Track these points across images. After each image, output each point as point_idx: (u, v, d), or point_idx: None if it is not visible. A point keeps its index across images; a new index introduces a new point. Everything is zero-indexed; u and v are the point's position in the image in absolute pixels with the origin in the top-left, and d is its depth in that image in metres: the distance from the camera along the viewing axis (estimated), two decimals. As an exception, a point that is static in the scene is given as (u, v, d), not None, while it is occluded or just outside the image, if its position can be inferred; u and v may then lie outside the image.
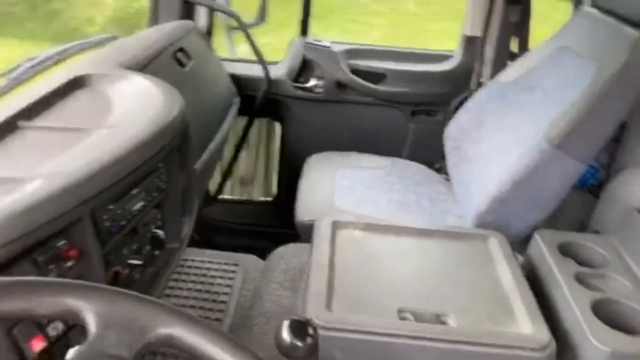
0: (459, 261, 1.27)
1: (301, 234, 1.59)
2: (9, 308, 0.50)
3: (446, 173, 1.84)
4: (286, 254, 1.49)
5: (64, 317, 0.54)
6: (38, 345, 0.78)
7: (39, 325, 0.78)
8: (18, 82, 1.25)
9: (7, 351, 0.74)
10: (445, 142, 1.78)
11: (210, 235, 2.03)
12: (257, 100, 1.97)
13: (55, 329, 0.80)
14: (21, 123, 1.00)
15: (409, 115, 2.05)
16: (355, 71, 1.98)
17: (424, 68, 2.04)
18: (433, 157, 1.98)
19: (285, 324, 0.70)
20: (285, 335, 0.67)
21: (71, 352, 0.54)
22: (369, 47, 2.13)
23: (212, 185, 2.08)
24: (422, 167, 1.93)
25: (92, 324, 0.53)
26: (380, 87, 1.99)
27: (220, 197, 2.13)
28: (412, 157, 1.99)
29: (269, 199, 2.20)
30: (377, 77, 1.99)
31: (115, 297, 0.55)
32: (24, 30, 5.18)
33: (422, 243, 1.32)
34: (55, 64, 1.40)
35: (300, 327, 0.69)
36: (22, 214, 0.75)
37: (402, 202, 1.67)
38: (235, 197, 2.20)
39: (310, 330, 0.69)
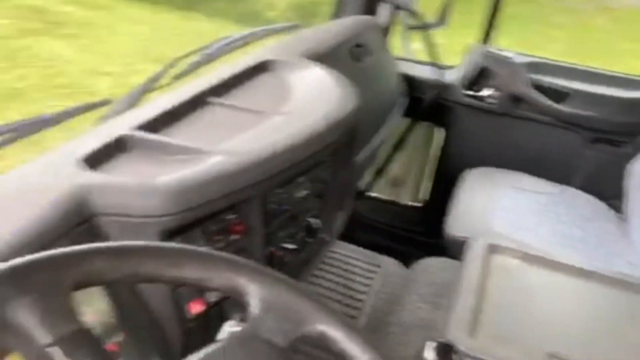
0: (624, 313, 1.13)
1: (449, 248, 1.53)
2: (185, 275, 0.53)
3: (621, 212, 1.65)
4: (432, 266, 1.44)
5: (230, 294, 0.56)
6: (196, 307, 0.84)
7: (200, 289, 0.83)
8: (209, 59, 1.35)
9: (172, 309, 0.80)
10: (628, 177, 1.59)
11: (352, 229, 2.04)
12: (424, 103, 1.92)
13: (214, 295, 0.85)
14: (210, 99, 1.07)
15: (588, 142, 1.86)
16: (536, 86, 1.84)
17: (616, 92, 1.84)
18: (608, 192, 1.78)
19: (430, 345, 0.67)
20: (430, 356, 0.64)
21: (227, 329, 0.57)
22: (554, 62, 1.97)
23: (362, 181, 2.09)
24: (594, 201, 1.75)
25: (254, 306, 0.54)
26: (562, 107, 1.83)
27: (368, 194, 2.13)
28: (584, 188, 1.81)
29: (418, 204, 2.16)
30: (559, 95, 1.84)
31: (281, 284, 0.56)
32: (213, 8, 5.64)
33: (584, 285, 1.19)
34: (243, 46, 1.49)
35: (445, 351, 0.66)
36: (203, 185, 0.80)
37: (566, 236, 1.53)
38: (384, 196, 2.18)
39: (455, 357, 0.66)
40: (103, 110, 1.11)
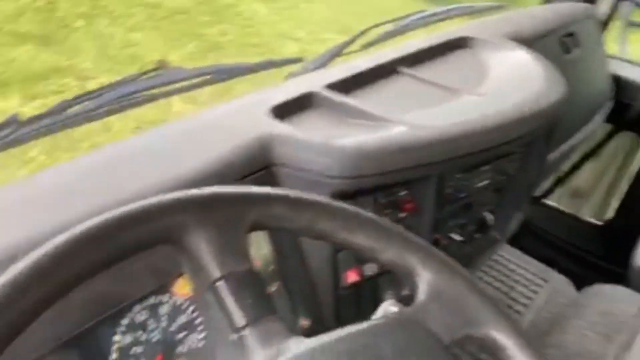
0: None
1: (633, 278, 1.33)
2: (357, 241, 0.50)
3: None
4: (608, 294, 1.26)
5: (398, 270, 0.52)
6: (352, 277, 0.81)
7: (359, 258, 0.80)
8: (402, 31, 1.31)
9: (329, 272, 0.78)
10: None
11: (520, 235, 1.88)
12: (633, 110, 1.68)
13: (371, 268, 0.82)
14: (401, 69, 1.02)
15: None
16: None
17: None
18: None
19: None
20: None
21: (386, 306, 0.53)
22: None
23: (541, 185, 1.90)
24: None
25: (422, 291, 0.50)
26: None
27: (545, 201, 1.94)
28: None
29: (600, 222, 1.91)
30: None
31: (457, 275, 0.51)
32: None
33: None
34: (437, 21, 1.42)
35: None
36: (382, 154, 0.76)
37: None
38: (561, 207, 1.97)
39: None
40: (292, 67, 1.13)
